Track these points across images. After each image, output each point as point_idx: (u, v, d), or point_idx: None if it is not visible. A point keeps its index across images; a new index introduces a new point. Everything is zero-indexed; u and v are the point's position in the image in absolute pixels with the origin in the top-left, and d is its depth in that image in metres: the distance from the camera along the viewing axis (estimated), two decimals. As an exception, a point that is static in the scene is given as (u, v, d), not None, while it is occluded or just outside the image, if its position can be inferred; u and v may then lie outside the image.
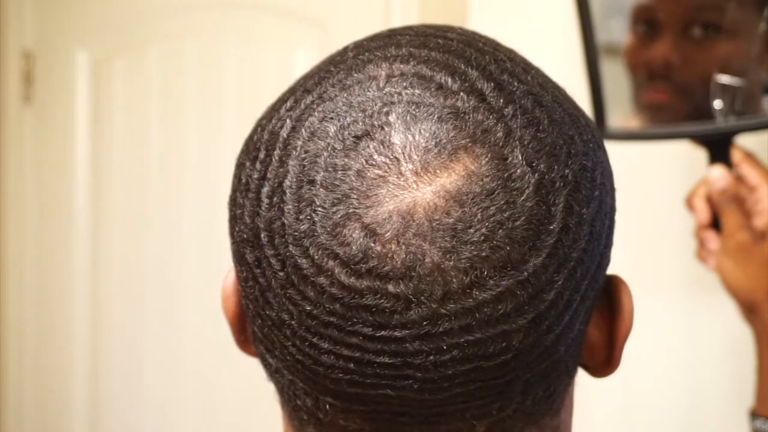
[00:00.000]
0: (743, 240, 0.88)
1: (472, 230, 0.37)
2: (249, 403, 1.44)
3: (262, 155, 0.41)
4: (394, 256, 0.37)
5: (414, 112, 0.38)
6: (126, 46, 1.81)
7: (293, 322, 0.39)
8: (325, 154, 0.38)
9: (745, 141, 0.93)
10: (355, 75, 0.40)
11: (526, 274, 0.37)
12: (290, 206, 0.38)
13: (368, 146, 0.38)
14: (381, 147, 0.38)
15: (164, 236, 1.75)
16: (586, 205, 0.39)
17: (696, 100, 0.94)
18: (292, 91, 0.42)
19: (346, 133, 0.38)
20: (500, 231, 0.37)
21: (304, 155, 0.39)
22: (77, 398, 1.83)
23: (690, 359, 1.20)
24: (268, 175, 0.40)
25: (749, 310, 0.89)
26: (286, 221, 0.38)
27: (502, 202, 0.37)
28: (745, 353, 0.98)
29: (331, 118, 0.39)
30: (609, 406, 1.24)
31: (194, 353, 1.71)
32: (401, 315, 0.37)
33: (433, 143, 0.38)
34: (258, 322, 0.42)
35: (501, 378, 0.39)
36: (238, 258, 0.42)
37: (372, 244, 0.37)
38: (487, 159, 0.38)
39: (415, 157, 0.37)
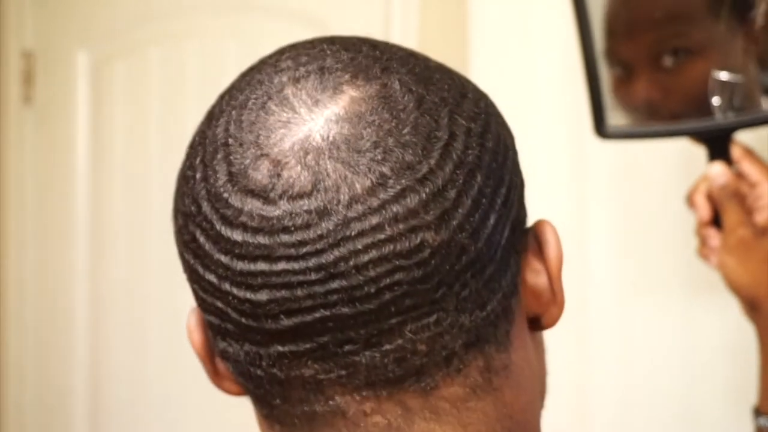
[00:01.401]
0: (744, 236, 0.88)
1: (363, 140, 0.42)
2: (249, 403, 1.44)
3: (187, 158, 0.48)
4: (300, 177, 0.41)
5: (302, 75, 0.44)
6: (126, 47, 1.81)
7: (228, 273, 0.43)
8: (232, 125, 0.45)
9: (744, 137, 0.93)
10: (256, 76, 0.47)
11: (422, 173, 0.42)
12: (210, 172, 0.44)
13: (269, 106, 0.44)
14: (279, 101, 0.43)
15: (164, 236, 1.74)
16: (472, 121, 0.44)
17: (694, 98, 0.94)
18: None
19: (251, 103, 0.45)
20: (390, 138, 0.42)
21: (217, 130, 0.46)
22: (78, 397, 1.83)
23: (688, 360, 1.20)
24: (194, 163, 0.47)
25: (751, 307, 0.89)
26: (210, 187, 0.44)
27: (387, 115, 0.42)
28: (743, 354, 0.98)
29: (237, 101, 0.46)
30: (607, 407, 1.24)
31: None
32: (317, 227, 0.41)
33: (321, 86, 0.43)
34: (201, 302, 0.45)
35: (427, 282, 0.42)
36: (183, 262, 0.47)
37: (279, 172, 0.41)
38: (368, 86, 0.43)
39: (307, 99, 0.43)
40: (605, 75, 0.95)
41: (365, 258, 0.41)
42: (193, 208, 0.45)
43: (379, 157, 0.41)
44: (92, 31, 1.84)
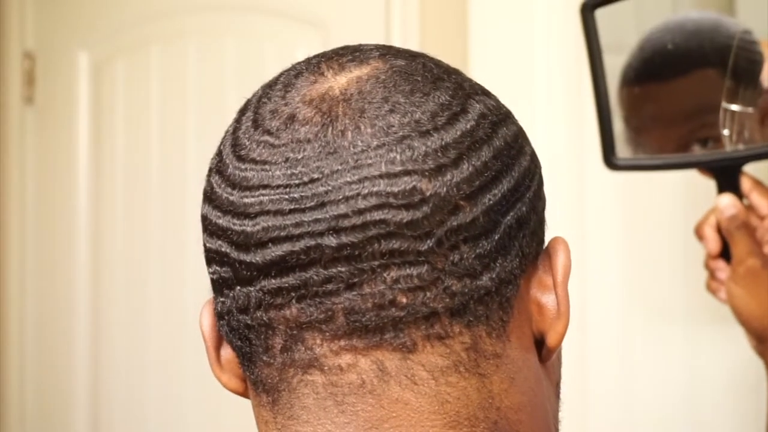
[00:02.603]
0: (754, 266, 0.86)
1: (375, 95, 0.44)
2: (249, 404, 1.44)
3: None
4: (313, 119, 0.44)
5: (338, 53, 0.48)
6: (127, 47, 1.81)
7: (231, 206, 0.45)
8: (268, 89, 0.48)
9: (753, 168, 0.93)
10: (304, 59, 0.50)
11: (426, 128, 0.44)
12: (238, 125, 0.47)
13: (303, 73, 0.47)
14: (311, 69, 0.47)
15: (165, 236, 1.75)
16: (489, 111, 0.46)
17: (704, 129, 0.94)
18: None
19: (288, 71, 0.48)
20: (401, 97, 0.44)
21: (255, 96, 0.48)
22: (79, 397, 1.84)
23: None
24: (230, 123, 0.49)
25: (760, 339, 0.87)
26: (234, 136, 0.47)
27: (403, 82, 0.45)
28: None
29: (279, 74, 0.49)
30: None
31: (196, 351, 1.71)
32: (317, 159, 0.43)
33: (351, 58, 0.47)
34: (207, 252, 0.47)
35: (414, 228, 0.43)
36: (201, 218, 0.48)
37: (295, 115, 0.45)
38: (393, 61, 0.46)
39: (336, 66, 0.46)
40: (615, 106, 0.95)
41: (356, 189, 0.42)
42: (216, 159, 0.48)
43: (387, 108, 0.44)
44: (93, 31, 1.84)
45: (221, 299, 0.46)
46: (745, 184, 0.89)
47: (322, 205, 0.42)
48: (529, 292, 0.47)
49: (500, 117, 0.47)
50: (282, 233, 0.43)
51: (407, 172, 0.43)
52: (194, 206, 1.87)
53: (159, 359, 1.76)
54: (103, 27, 1.83)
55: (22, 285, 1.90)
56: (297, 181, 0.43)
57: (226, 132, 0.48)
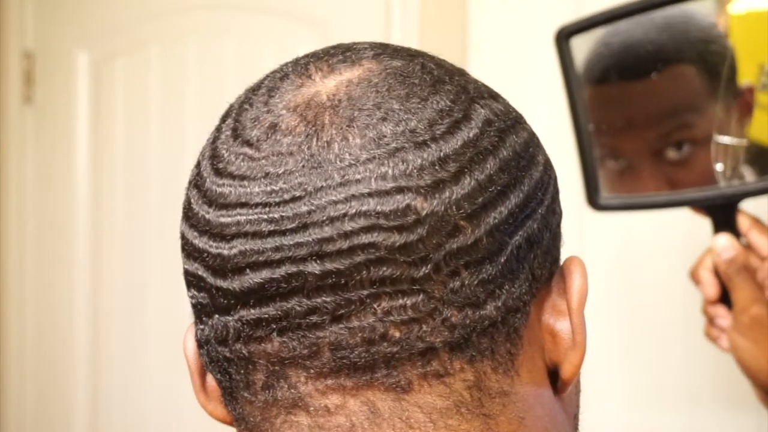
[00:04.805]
0: (758, 315, 0.79)
1: (367, 101, 0.40)
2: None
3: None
4: (296, 129, 0.39)
5: (328, 52, 0.44)
6: (126, 46, 1.81)
7: (207, 226, 0.40)
8: (251, 93, 0.43)
9: (751, 206, 0.86)
10: (293, 58, 0.45)
11: (423, 138, 0.39)
12: (217, 133, 0.43)
13: (289, 75, 0.43)
14: (298, 71, 0.43)
15: (165, 236, 1.75)
16: (495, 116, 0.41)
17: (696, 165, 0.87)
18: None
19: (274, 74, 0.44)
20: (396, 103, 0.39)
21: (239, 99, 0.44)
22: (78, 398, 1.83)
23: None
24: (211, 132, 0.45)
25: None
26: (213, 146, 0.43)
27: (399, 86, 0.40)
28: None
29: (265, 76, 0.44)
30: None
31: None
32: (299, 174, 0.38)
33: (342, 58, 0.42)
34: (185, 274, 0.43)
35: (408, 253, 0.38)
36: (180, 233, 0.45)
37: (277, 125, 0.40)
38: (389, 62, 0.42)
39: (325, 68, 0.42)
40: (597, 144, 0.89)
41: (342, 209, 0.37)
42: (195, 171, 0.43)
43: (379, 116, 0.39)
44: (92, 30, 1.84)
45: (200, 326, 0.42)
46: (743, 222, 0.82)
47: (304, 227, 0.38)
48: (541, 319, 0.42)
49: (508, 123, 0.42)
50: (260, 258, 0.38)
51: (400, 189, 0.38)
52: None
53: (158, 359, 1.76)
54: (103, 27, 1.83)
55: (21, 285, 1.89)
56: (277, 200, 0.38)
57: (207, 141, 0.44)
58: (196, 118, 1.72)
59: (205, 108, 1.71)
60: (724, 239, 0.81)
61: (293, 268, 0.38)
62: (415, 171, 0.38)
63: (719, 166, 0.83)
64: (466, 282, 0.38)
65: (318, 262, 0.38)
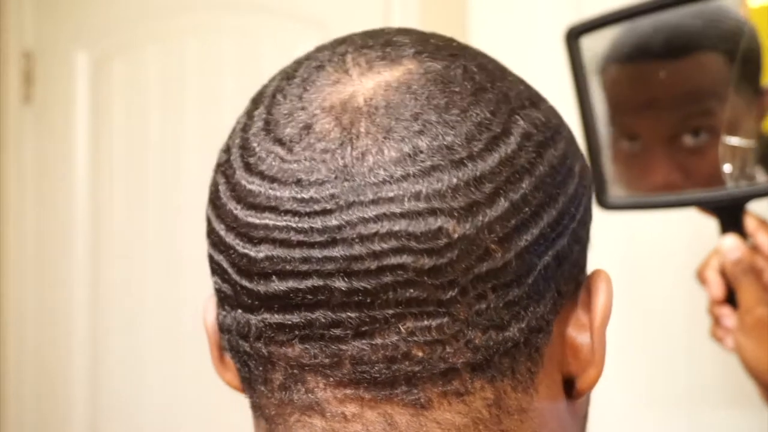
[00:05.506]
0: (763, 316, 0.79)
1: (404, 110, 0.38)
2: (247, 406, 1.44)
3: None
4: (331, 133, 0.38)
5: (367, 44, 0.42)
6: (125, 45, 1.81)
7: (235, 223, 0.40)
8: (285, 80, 0.42)
9: (758, 207, 0.86)
10: (326, 43, 0.44)
11: (459, 156, 0.37)
12: (249, 121, 0.42)
13: (325, 66, 0.41)
14: (335, 63, 0.41)
15: (164, 235, 1.75)
16: (535, 127, 0.40)
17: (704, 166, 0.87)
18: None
19: (309, 62, 0.42)
20: (434, 114, 0.38)
21: (272, 84, 0.43)
22: (77, 398, 1.83)
23: None
24: (242, 114, 0.44)
25: None
26: (244, 135, 0.42)
27: (438, 93, 0.39)
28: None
29: (299, 60, 0.43)
30: None
31: (195, 352, 1.71)
32: (331, 185, 0.37)
33: (381, 55, 0.41)
34: (210, 260, 0.43)
35: (436, 276, 0.37)
36: (206, 217, 0.44)
37: (311, 126, 0.39)
38: (429, 64, 0.40)
39: (363, 63, 0.41)
40: (606, 143, 0.89)
41: (372, 228, 0.37)
42: (224, 156, 0.43)
43: (417, 129, 0.38)
44: (91, 30, 1.84)
45: (223, 313, 0.42)
46: (750, 223, 0.82)
47: (333, 242, 0.37)
48: (563, 332, 0.42)
49: (548, 135, 0.41)
50: (287, 267, 0.38)
51: (433, 211, 0.37)
52: (193, 205, 1.86)
53: (158, 358, 1.76)
54: (102, 26, 1.83)
55: (20, 284, 1.89)
56: (307, 209, 0.37)
57: (237, 122, 0.43)
58: (196, 117, 1.72)
59: (204, 107, 1.71)
60: (731, 240, 0.82)
61: (320, 282, 0.38)
62: (449, 192, 0.37)
63: (727, 167, 0.83)
64: (492, 304, 0.38)
65: (345, 279, 0.37)
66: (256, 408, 0.43)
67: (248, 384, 0.42)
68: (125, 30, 1.80)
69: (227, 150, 0.43)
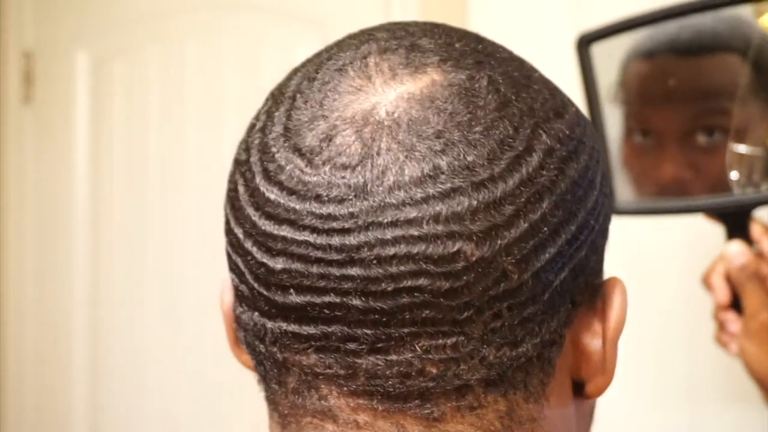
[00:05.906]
0: (767, 321, 0.80)
1: (427, 126, 0.38)
2: (250, 403, 1.44)
3: (261, 107, 0.44)
4: (351, 147, 0.38)
5: (392, 47, 0.41)
6: (126, 46, 1.81)
7: (253, 230, 0.40)
8: (306, 81, 0.41)
9: (764, 214, 0.87)
10: (348, 40, 0.43)
11: (480, 178, 0.37)
12: (269, 123, 0.41)
13: (347, 70, 0.41)
14: (358, 67, 0.41)
15: (164, 236, 1.75)
16: (558, 142, 0.40)
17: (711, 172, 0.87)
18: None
19: (331, 62, 0.42)
20: (456, 132, 0.38)
21: (291, 83, 0.42)
22: (77, 399, 1.83)
23: None
24: (261, 112, 0.43)
25: None
26: (263, 137, 0.41)
27: (462, 108, 0.38)
28: None
29: (320, 58, 0.42)
30: None
31: (195, 352, 1.71)
32: (350, 204, 0.37)
33: (405, 62, 0.40)
34: (228, 258, 0.43)
35: (452, 298, 0.37)
36: (224, 212, 0.44)
37: (332, 138, 0.38)
38: (453, 74, 0.40)
39: (387, 71, 0.40)
40: (616, 149, 0.89)
41: (391, 251, 0.37)
42: (243, 155, 0.42)
43: (438, 148, 0.37)
44: (91, 30, 1.84)
45: (240, 308, 0.42)
46: (756, 230, 0.83)
47: (351, 261, 0.37)
48: (576, 338, 0.42)
49: (570, 148, 0.40)
50: (305, 281, 0.38)
51: (452, 235, 0.37)
52: (193, 205, 1.86)
53: (158, 358, 1.76)
54: (102, 26, 1.83)
55: (20, 285, 1.89)
56: (326, 227, 0.37)
57: (257, 121, 0.43)
58: (196, 117, 1.72)
59: (204, 107, 1.71)
60: (737, 246, 0.82)
61: (337, 299, 0.38)
62: (468, 214, 0.37)
63: (734, 174, 0.84)
64: (507, 323, 0.38)
65: (362, 298, 0.37)
66: (270, 401, 0.43)
67: (263, 379, 0.43)
68: (125, 30, 1.80)
69: (247, 149, 0.42)
